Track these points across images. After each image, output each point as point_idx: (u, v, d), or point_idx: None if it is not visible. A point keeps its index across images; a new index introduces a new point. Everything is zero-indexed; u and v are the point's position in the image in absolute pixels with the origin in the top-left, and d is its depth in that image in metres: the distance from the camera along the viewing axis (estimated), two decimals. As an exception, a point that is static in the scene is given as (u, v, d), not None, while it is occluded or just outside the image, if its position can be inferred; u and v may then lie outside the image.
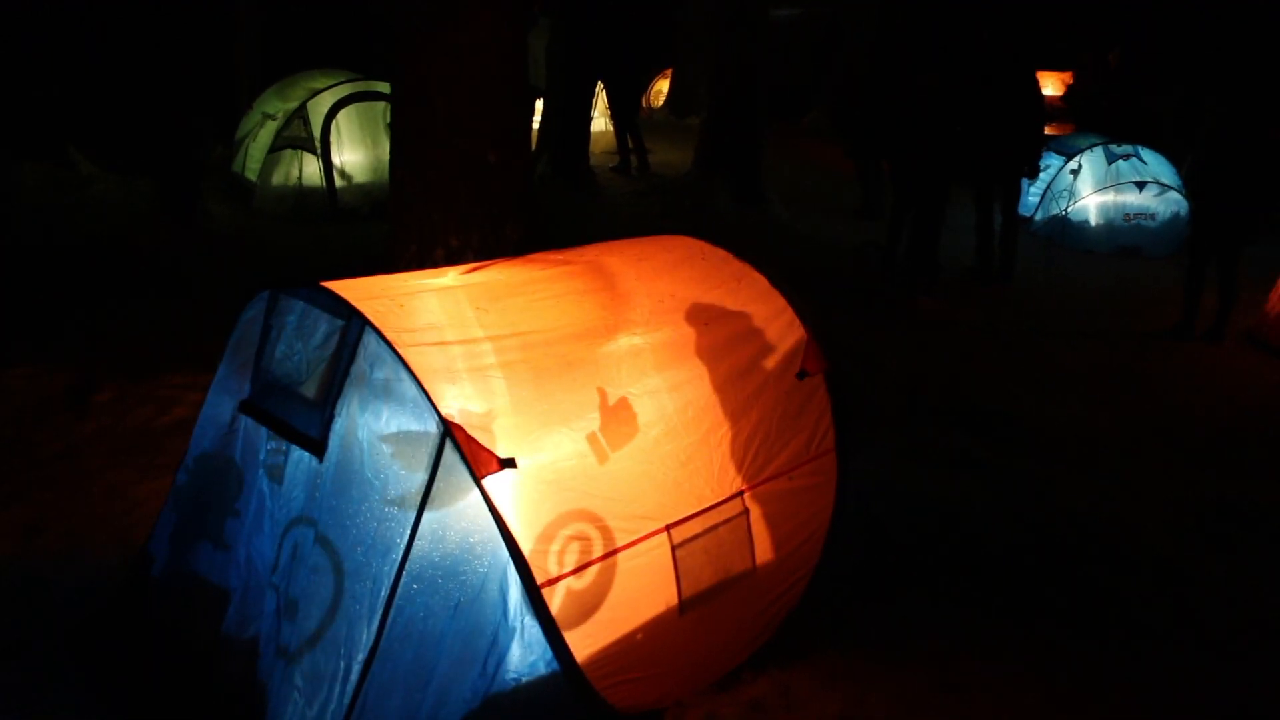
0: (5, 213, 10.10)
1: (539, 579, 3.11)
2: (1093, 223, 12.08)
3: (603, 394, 3.43)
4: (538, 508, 3.17)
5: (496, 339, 3.34)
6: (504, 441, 3.11)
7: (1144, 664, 4.15)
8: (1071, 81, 22.44)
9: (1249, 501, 5.76)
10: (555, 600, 3.15)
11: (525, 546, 3.08)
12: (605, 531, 3.30)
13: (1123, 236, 11.98)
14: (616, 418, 3.42)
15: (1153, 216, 11.99)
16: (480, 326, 3.38)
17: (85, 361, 6.43)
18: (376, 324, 3.13)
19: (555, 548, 3.17)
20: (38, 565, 4.45)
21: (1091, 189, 12.08)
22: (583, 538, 3.24)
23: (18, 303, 7.63)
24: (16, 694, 3.66)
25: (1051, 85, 21.26)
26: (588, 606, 3.26)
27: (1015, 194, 10.34)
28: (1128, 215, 12.00)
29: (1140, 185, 11.97)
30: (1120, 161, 12.14)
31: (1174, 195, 11.92)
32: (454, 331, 3.30)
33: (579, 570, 3.23)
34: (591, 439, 3.34)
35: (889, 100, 10.44)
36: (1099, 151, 12.27)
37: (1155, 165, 12.15)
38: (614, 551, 3.32)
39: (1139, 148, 12.37)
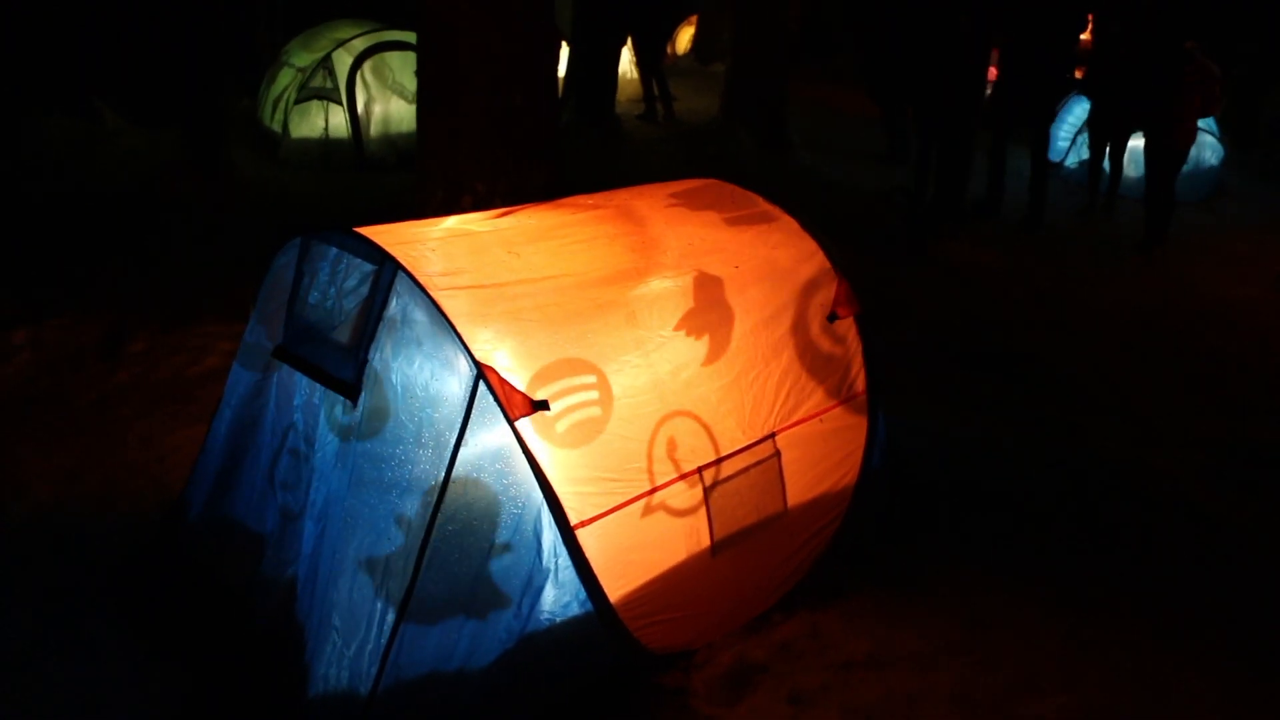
0: (34, 167, 10.15)
1: (573, 520, 3.14)
2: (1125, 167, 11.87)
3: (634, 337, 3.44)
4: (570, 449, 3.19)
5: (528, 282, 3.34)
6: (536, 384, 3.13)
7: (1169, 606, 4.16)
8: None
9: (1279, 447, 5.73)
10: (589, 541, 3.18)
11: (559, 488, 3.11)
12: (638, 473, 3.33)
13: (1155, 181, 11.78)
14: (649, 360, 3.43)
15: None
16: (511, 270, 3.38)
17: (117, 312, 6.49)
18: (409, 268, 3.14)
19: (589, 489, 3.20)
20: (77, 511, 4.53)
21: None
22: (616, 479, 3.26)
23: (50, 256, 7.69)
24: (59, 633, 3.74)
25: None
26: (621, 548, 3.30)
27: (1044, 140, 10.23)
28: (1160, 159, 11.79)
29: (1172, 129, 11.76)
30: (1152, 105, 11.93)
31: (1207, 139, 11.70)
32: (486, 275, 3.31)
33: (612, 512, 3.25)
34: (624, 381, 3.35)
35: (915, 43, 10.33)
36: (1130, 95, 12.05)
37: (1188, 108, 11.92)
38: (647, 492, 3.34)
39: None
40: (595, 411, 3.27)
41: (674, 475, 3.41)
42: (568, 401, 3.20)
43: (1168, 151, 9.58)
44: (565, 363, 3.24)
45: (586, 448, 3.22)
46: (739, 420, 3.64)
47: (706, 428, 3.53)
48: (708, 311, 3.65)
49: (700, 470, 3.48)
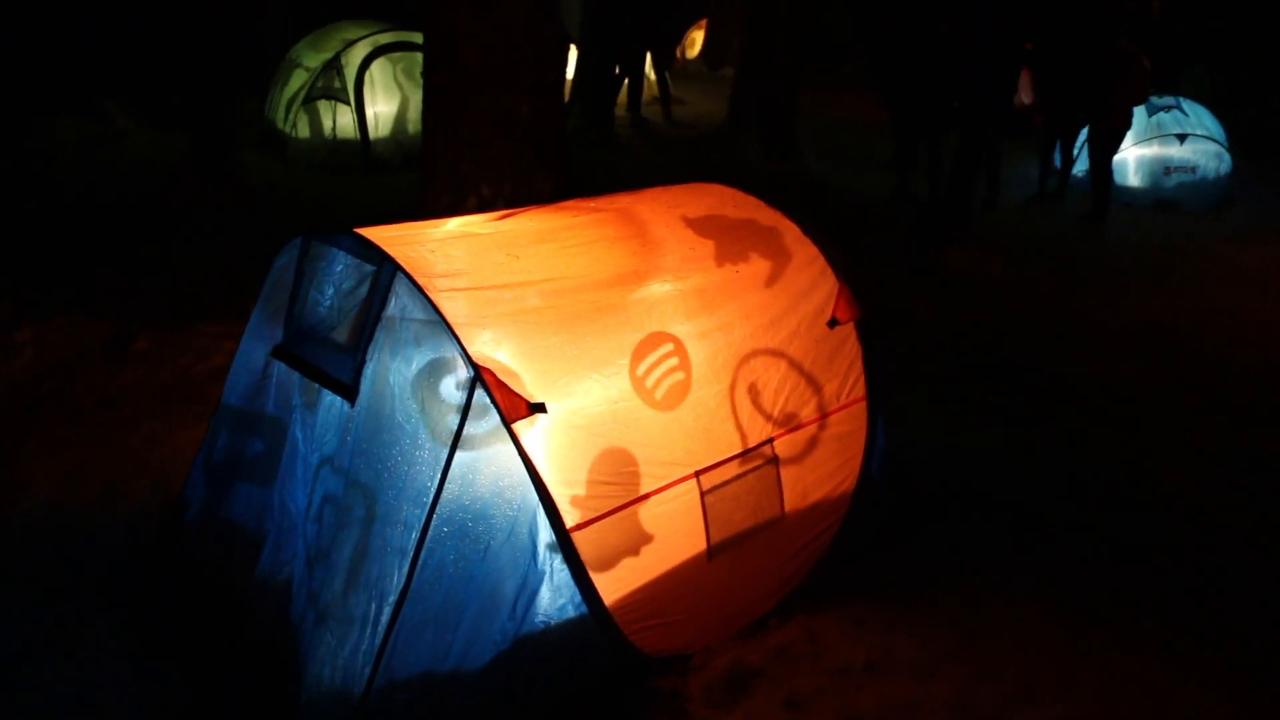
0: (43, 168, 10.19)
1: (568, 523, 3.14)
2: (1132, 175, 11.87)
3: (633, 340, 3.44)
4: (567, 452, 3.19)
5: (528, 285, 3.34)
6: (534, 386, 3.13)
7: (1170, 615, 4.14)
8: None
9: (1280, 457, 5.71)
10: (584, 544, 3.18)
11: (555, 491, 3.11)
12: (635, 477, 3.32)
13: (1162, 190, 11.76)
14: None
15: (1194, 170, 11.75)
16: (511, 272, 3.38)
17: (123, 312, 6.51)
18: (408, 269, 3.14)
19: (585, 492, 3.20)
20: (80, 510, 4.54)
21: (1131, 141, 11.80)
22: (612, 483, 3.26)
23: (57, 255, 7.72)
24: (59, 633, 3.75)
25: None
26: (617, 551, 3.29)
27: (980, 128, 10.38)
28: (1168, 168, 11.75)
29: (1181, 138, 11.73)
30: (1162, 114, 11.90)
31: (1217, 148, 11.69)
32: (485, 277, 3.30)
33: (608, 515, 3.25)
34: (621, 385, 3.35)
35: (909, 48, 10.41)
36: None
37: (1197, 118, 11.90)
38: (643, 497, 3.34)
39: (1181, 100, 12.12)
40: (592, 415, 3.27)
41: (671, 479, 3.41)
42: (565, 405, 3.21)
43: (1106, 134, 10.77)
44: (564, 366, 3.24)
45: (582, 451, 3.23)
46: (737, 424, 3.63)
47: (704, 431, 3.53)
48: (706, 316, 3.66)
49: (698, 474, 3.48)
